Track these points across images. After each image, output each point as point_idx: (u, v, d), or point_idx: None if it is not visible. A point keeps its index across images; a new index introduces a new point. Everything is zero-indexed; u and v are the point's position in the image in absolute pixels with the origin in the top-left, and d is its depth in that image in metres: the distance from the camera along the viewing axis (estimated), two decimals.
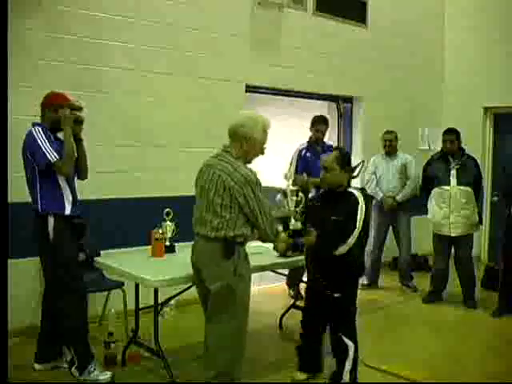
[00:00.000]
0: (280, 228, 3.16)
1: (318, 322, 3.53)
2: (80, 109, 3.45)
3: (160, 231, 3.76)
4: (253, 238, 3.05)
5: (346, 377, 3.33)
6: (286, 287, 5.51)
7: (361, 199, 3.27)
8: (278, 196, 3.39)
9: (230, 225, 2.90)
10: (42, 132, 3.29)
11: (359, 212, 3.23)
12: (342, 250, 3.21)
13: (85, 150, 3.53)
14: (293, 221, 3.25)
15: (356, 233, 3.21)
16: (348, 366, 3.32)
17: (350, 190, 3.36)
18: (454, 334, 4.59)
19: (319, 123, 5.34)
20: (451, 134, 5.25)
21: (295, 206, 3.26)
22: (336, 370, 3.39)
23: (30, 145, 3.27)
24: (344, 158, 3.36)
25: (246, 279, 3.01)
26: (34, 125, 3.37)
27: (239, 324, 3.00)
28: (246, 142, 2.96)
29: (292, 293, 5.35)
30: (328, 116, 5.90)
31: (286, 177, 3.30)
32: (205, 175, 2.99)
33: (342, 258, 3.24)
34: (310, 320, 3.58)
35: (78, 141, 3.43)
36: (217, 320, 3.00)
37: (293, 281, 5.18)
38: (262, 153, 3.05)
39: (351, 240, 3.20)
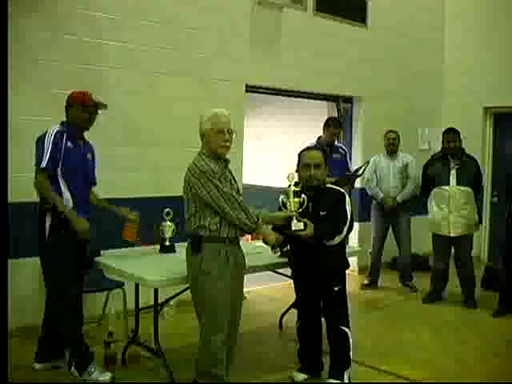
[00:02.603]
0: (263, 212, 3.14)
1: (315, 319, 3.56)
2: (105, 106, 3.49)
3: (134, 213, 3.69)
4: (233, 233, 3.03)
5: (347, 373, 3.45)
6: (286, 287, 5.51)
7: (345, 192, 3.46)
8: (281, 197, 3.39)
9: (195, 218, 2.99)
10: (53, 135, 3.26)
11: (347, 203, 3.38)
12: (338, 239, 3.32)
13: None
14: (295, 221, 3.24)
15: (348, 222, 3.34)
16: (348, 351, 3.44)
17: (329, 185, 3.53)
18: (454, 334, 4.59)
19: (336, 127, 5.47)
20: (454, 134, 5.24)
21: (298, 208, 3.25)
22: (334, 364, 3.47)
23: (40, 143, 3.27)
24: (325, 156, 3.51)
25: (216, 278, 2.96)
26: (61, 124, 3.38)
27: (211, 323, 2.99)
28: (204, 137, 3.07)
29: None
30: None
31: (288, 177, 3.29)
32: None
33: (336, 249, 3.37)
34: (308, 319, 3.59)
35: None
36: (198, 319, 3.08)
37: None
38: (224, 142, 3.01)
39: (345, 229, 3.33)
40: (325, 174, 3.48)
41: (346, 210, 3.36)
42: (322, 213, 3.34)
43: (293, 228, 3.24)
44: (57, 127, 3.33)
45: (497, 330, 4.72)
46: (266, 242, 3.36)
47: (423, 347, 4.23)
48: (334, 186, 3.54)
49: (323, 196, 3.41)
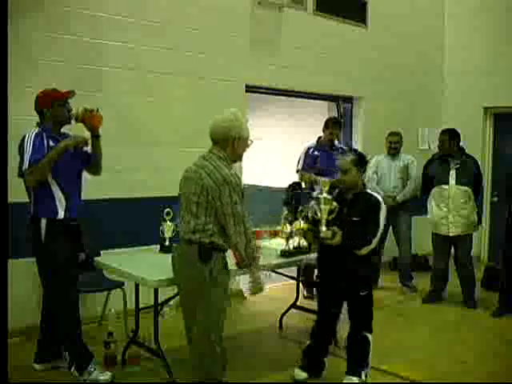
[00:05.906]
0: (261, 245, 3.15)
1: (333, 320, 3.58)
2: (72, 92, 3.45)
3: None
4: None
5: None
6: (286, 287, 5.50)
7: (382, 201, 3.37)
8: (312, 203, 3.41)
9: (207, 231, 2.86)
10: (33, 137, 3.24)
11: (381, 213, 3.32)
12: (365, 250, 3.29)
13: (101, 148, 3.61)
14: (324, 228, 3.26)
15: (379, 234, 3.29)
16: (368, 355, 3.45)
17: (368, 191, 3.46)
18: (454, 334, 4.59)
19: (335, 127, 5.48)
20: (442, 135, 5.31)
21: (328, 215, 3.27)
22: (352, 364, 3.47)
23: (21, 149, 3.25)
24: (361, 160, 3.44)
25: (223, 285, 2.94)
26: (36, 125, 3.37)
27: (213, 326, 2.94)
28: (238, 142, 2.97)
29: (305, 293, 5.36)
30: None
31: (318, 183, 3.33)
32: (186, 177, 2.99)
33: (364, 256, 3.33)
34: (325, 318, 3.59)
35: (96, 137, 3.53)
36: (192, 322, 3.00)
37: (307, 279, 5.16)
38: (248, 147, 3.07)
39: (375, 240, 3.28)
40: (355, 179, 3.40)
41: (378, 219, 3.31)
42: (354, 218, 3.32)
43: (321, 235, 3.29)
44: (35, 130, 3.31)
45: (497, 329, 4.72)
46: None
47: (423, 347, 4.24)
48: (372, 192, 3.47)
49: (357, 201, 3.38)
